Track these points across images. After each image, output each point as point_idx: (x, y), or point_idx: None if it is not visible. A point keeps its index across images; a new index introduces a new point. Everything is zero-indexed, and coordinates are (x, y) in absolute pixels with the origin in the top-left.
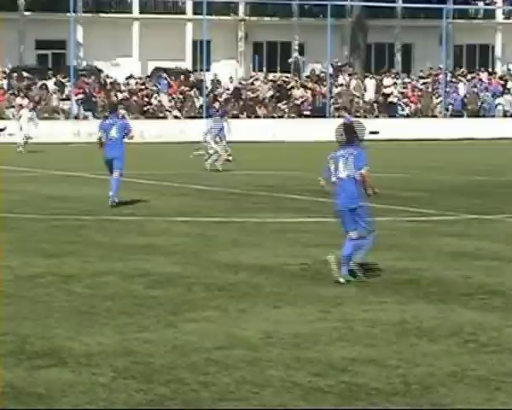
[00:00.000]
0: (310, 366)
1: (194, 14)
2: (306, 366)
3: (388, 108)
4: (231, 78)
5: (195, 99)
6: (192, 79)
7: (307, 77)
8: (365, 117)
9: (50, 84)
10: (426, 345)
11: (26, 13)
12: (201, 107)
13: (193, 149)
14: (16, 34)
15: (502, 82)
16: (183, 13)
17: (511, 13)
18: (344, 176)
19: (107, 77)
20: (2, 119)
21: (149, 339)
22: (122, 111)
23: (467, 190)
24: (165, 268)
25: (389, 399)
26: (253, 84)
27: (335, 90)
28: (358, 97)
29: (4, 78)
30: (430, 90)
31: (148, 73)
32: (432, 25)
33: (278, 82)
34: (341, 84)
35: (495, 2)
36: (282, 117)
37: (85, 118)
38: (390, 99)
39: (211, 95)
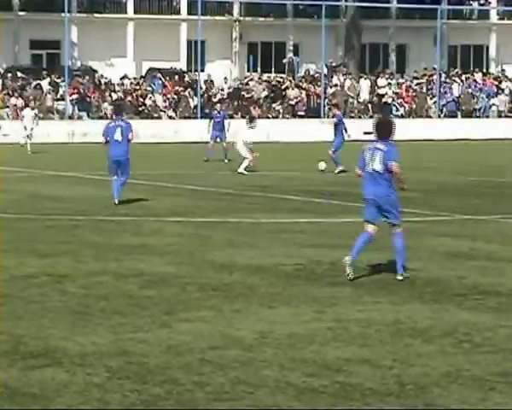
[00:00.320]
0: (304, 367)
1: (189, 14)
2: (301, 366)
3: (383, 109)
4: (226, 78)
5: (190, 99)
6: (186, 79)
7: (302, 77)
8: (360, 117)
9: (45, 84)
10: (420, 345)
11: (21, 13)
12: (196, 107)
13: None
14: (11, 34)
15: (496, 82)
16: (178, 13)
17: (505, 13)
18: (372, 169)
19: (102, 77)
20: None
21: (144, 339)
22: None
23: (461, 191)
24: (159, 268)
25: (383, 399)
26: (247, 84)
27: (330, 91)
28: (353, 98)
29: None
30: (424, 90)
31: (143, 74)
32: (426, 25)
33: (273, 82)
34: (336, 85)
35: (489, 3)
36: (276, 117)
37: (80, 118)
38: (384, 99)
39: (205, 95)
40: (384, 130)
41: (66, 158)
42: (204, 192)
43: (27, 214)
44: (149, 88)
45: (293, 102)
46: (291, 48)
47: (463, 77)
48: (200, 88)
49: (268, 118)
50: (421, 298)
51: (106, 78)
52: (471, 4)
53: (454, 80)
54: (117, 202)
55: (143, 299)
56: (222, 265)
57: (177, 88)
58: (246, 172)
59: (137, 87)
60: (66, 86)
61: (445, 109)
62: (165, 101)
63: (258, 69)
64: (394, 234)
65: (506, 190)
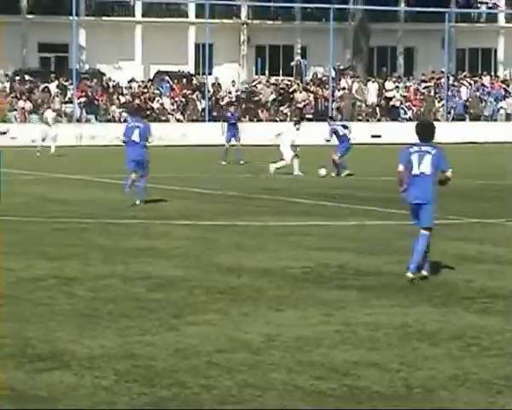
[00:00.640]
0: (312, 370)
1: (197, 17)
2: (309, 369)
3: (390, 112)
4: (233, 81)
5: (198, 102)
6: (194, 82)
7: (309, 80)
8: (367, 121)
9: (53, 87)
10: (428, 348)
11: (29, 16)
12: (204, 110)
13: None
14: (19, 37)
15: (504, 86)
16: (186, 16)
17: None
18: (418, 172)
19: (110, 80)
20: (4, 122)
21: (151, 342)
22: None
23: (470, 194)
24: (167, 271)
25: (391, 402)
26: (255, 87)
27: (338, 94)
28: (361, 101)
29: (7, 81)
30: (432, 93)
31: (151, 77)
32: (434, 28)
33: (280, 85)
34: (344, 88)
35: (497, 6)
36: (284, 120)
37: (88, 121)
38: (392, 103)
39: (213, 98)
40: (428, 132)
41: (74, 161)
42: (211, 195)
43: (35, 217)
44: (157, 91)
45: (300, 106)
46: (299, 51)
47: (471, 80)
48: (208, 91)
49: (276, 121)
50: (430, 301)
51: (114, 81)
52: (479, 8)
53: (462, 83)
54: (138, 203)
55: (151, 302)
56: (229, 268)
57: (184, 91)
58: (272, 173)
59: (145, 90)
60: (74, 89)
61: (452, 112)
62: (172, 104)
63: (266, 72)
64: (422, 235)
65: None
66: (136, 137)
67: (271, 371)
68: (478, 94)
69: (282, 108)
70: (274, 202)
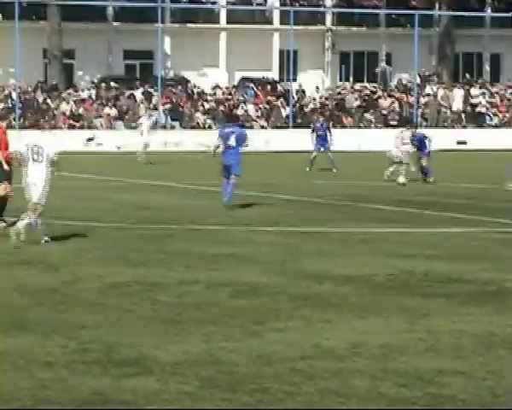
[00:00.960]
0: (396, 377)
1: (281, 23)
2: (392, 376)
3: (476, 118)
4: (317, 87)
5: (282, 109)
6: (279, 88)
7: (394, 87)
8: (453, 127)
9: (138, 94)
10: None
11: (115, 23)
12: (288, 117)
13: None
14: (105, 44)
15: None
16: (270, 23)
17: None
18: None
19: (194, 87)
20: (90, 128)
21: (235, 348)
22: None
23: None
24: (249, 277)
25: None
26: (339, 93)
27: (422, 100)
28: (446, 107)
29: (93, 87)
30: None
31: (235, 83)
32: None
33: (365, 92)
34: (428, 94)
35: None
36: (368, 127)
37: (172, 128)
38: (478, 109)
39: (297, 105)
40: None
41: (158, 167)
42: (295, 202)
43: (120, 223)
44: (241, 98)
45: (385, 112)
46: (384, 57)
47: None
48: (292, 98)
49: (360, 127)
50: None
51: (198, 87)
52: None
53: None
54: (226, 203)
55: (234, 308)
56: (312, 274)
57: (269, 98)
58: (403, 182)
59: (229, 97)
60: (159, 96)
61: None
62: (257, 110)
63: (351, 78)
64: None
65: None
66: (232, 142)
67: (354, 379)
68: None
69: (366, 115)
70: (358, 209)
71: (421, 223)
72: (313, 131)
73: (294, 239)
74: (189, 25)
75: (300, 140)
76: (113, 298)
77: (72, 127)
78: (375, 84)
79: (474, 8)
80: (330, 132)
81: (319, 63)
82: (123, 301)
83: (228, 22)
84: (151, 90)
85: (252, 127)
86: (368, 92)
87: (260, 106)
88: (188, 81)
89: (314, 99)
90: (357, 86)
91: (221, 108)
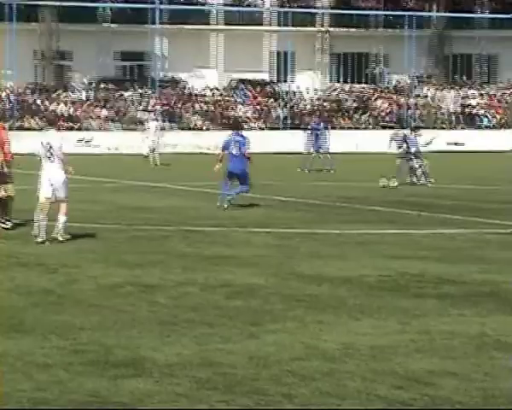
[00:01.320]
0: (391, 379)
1: (277, 25)
2: (387, 378)
3: (471, 120)
4: (315, 89)
5: (278, 110)
6: (274, 90)
7: (389, 88)
8: (444, 128)
9: (133, 95)
10: (506, 359)
11: (112, 25)
12: (285, 118)
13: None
14: (99, 45)
15: None
16: (266, 24)
17: None
18: None
19: (190, 88)
20: (81, 129)
21: (231, 350)
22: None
23: None
24: (247, 279)
25: None
26: (337, 95)
27: (413, 101)
28: (440, 108)
29: (87, 89)
30: None
31: (231, 84)
32: None
33: (360, 93)
34: (423, 96)
35: None
36: (364, 128)
37: (167, 129)
38: (473, 110)
39: (294, 106)
40: None
41: (154, 169)
42: (293, 203)
43: (116, 224)
44: (239, 99)
45: (380, 113)
46: (381, 59)
47: None
48: (288, 99)
49: (356, 129)
50: (508, 311)
51: (194, 89)
52: None
53: None
54: (226, 206)
55: (231, 310)
56: (309, 276)
57: (263, 99)
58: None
59: (226, 98)
60: (153, 97)
61: None
62: (254, 112)
63: (347, 79)
64: None
65: None
66: (234, 150)
67: (351, 380)
68: None
69: (361, 116)
70: (354, 211)
71: (417, 224)
72: (311, 131)
73: (291, 241)
74: (185, 26)
75: (296, 141)
76: (109, 300)
77: (70, 129)
78: (371, 86)
79: (470, 10)
80: (328, 131)
81: (314, 64)
82: (120, 303)
83: (224, 24)
84: (146, 92)
85: (247, 128)
86: (363, 93)
87: (255, 107)
88: (183, 82)
89: (311, 100)
90: (353, 87)
91: (212, 108)
